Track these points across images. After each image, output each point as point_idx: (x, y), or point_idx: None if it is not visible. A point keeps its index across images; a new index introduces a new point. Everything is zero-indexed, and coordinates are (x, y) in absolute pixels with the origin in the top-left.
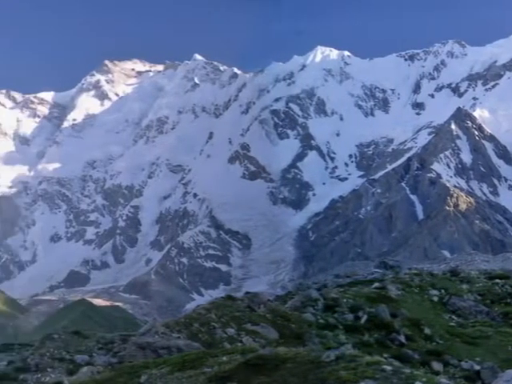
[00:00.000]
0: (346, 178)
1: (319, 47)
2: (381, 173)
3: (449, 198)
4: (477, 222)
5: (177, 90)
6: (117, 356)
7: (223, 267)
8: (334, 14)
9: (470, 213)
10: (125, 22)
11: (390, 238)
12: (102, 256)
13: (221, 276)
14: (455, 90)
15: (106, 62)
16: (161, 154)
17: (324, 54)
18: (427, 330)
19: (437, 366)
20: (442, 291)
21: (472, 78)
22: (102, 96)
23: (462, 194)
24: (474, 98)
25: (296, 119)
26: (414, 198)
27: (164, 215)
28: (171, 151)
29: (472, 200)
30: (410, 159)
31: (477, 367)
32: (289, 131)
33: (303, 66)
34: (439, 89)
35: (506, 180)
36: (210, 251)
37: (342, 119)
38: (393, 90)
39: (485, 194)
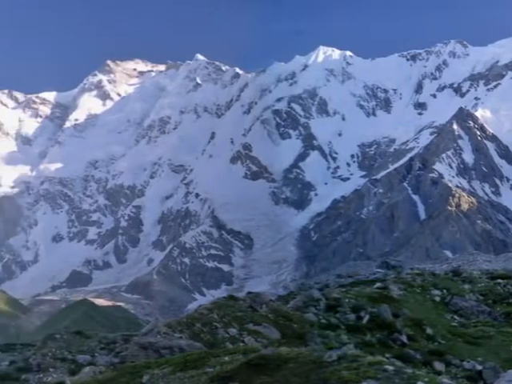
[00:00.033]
0: (348, 178)
1: (321, 47)
2: (383, 173)
3: (451, 197)
4: (479, 222)
5: (179, 90)
6: (119, 356)
7: (225, 267)
8: (335, 13)
9: (472, 213)
10: (127, 22)
11: (391, 238)
12: (104, 256)
13: (223, 276)
14: (457, 90)
15: (108, 61)
16: (163, 153)
17: (326, 54)
18: (429, 330)
19: (439, 366)
20: (444, 291)
21: (474, 78)
22: (104, 96)
23: (464, 193)
24: (476, 98)
25: (298, 119)
26: (415, 197)
27: (166, 215)
28: (173, 151)
29: (474, 200)
30: (411, 159)
31: (479, 367)
32: (291, 131)
33: (305, 66)
34: (441, 89)
35: (508, 180)
36: (212, 251)
37: (343, 119)
38: (395, 89)
39: (487, 194)
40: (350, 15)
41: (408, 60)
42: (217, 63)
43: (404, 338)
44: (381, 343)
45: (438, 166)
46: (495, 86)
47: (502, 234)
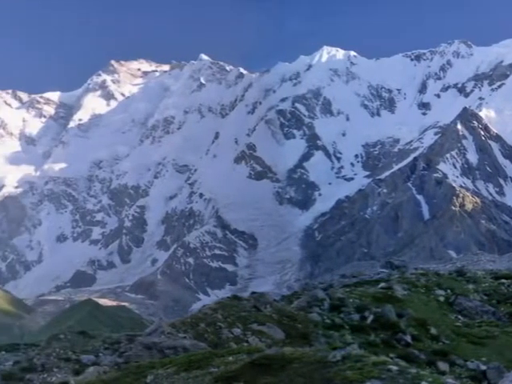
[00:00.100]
0: (352, 178)
1: (325, 47)
2: (387, 173)
3: (455, 197)
4: (483, 221)
5: (183, 90)
6: (123, 356)
7: (229, 267)
8: (340, 14)
9: (476, 213)
10: (131, 22)
11: (396, 238)
12: (108, 256)
13: (227, 276)
14: (461, 90)
15: (112, 61)
16: (167, 153)
17: (330, 54)
18: (433, 330)
19: (443, 365)
20: (448, 291)
21: (478, 78)
22: (108, 96)
23: (468, 193)
24: (480, 98)
25: (302, 119)
26: (420, 197)
27: (170, 215)
28: (177, 151)
29: (478, 200)
30: (416, 159)
31: (483, 367)
32: (295, 131)
33: (309, 66)
34: (445, 89)
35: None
36: (216, 251)
37: (348, 119)
38: (399, 89)
39: (491, 194)
40: (355, 15)
41: (412, 60)
42: (221, 63)
43: (408, 338)
44: (385, 343)
45: (442, 166)
46: (499, 86)
47: (506, 234)
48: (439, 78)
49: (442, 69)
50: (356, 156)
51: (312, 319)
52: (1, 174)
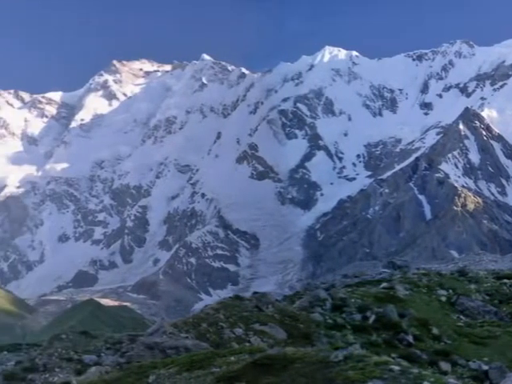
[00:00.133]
0: (354, 178)
1: (327, 47)
2: (389, 173)
3: (457, 197)
4: (485, 221)
5: (185, 90)
6: (125, 356)
7: (231, 267)
8: (342, 13)
9: (478, 213)
10: (133, 22)
11: (397, 238)
12: (110, 256)
13: (229, 276)
14: (463, 90)
15: (114, 61)
16: (169, 153)
17: (332, 54)
18: (435, 330)
19: (445, 365)
20: (450, 291)
21: (480, 78)
22: (110, 96)
23: (470, 193)
24: (482, 98)
25: (304, 119)
26: (421, 197)
27: (172, 215)
28: (179, 151)
29: (480, 200)
30: (417, 159)
31: (485, 367)
32: (297, 131)
33: (311, 66)
34: (447, 89)
35: None
36: (218, 251)
37: (350, 119)
38: (401, 89)
39: (493, 194)
40: (357, 15)
41: (414, 60)
42: (223, 63)
43: (410, 338)
44: (387, 343)
45: (443, 166)
46: (501, 86)
47: (508, 234)
48: (441, 78)
49: (444, 69)
50: (358, 156)
51: (314, 319)
52: (3, 174)
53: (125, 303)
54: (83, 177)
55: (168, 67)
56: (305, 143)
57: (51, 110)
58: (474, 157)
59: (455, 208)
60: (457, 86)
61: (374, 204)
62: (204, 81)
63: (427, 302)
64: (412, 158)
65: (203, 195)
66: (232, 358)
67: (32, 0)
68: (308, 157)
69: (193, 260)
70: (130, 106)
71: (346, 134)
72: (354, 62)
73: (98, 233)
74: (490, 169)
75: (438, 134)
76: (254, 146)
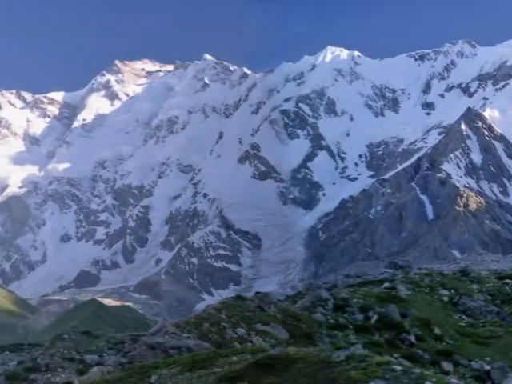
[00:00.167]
0: (356, 178)
1: (329, 47)
2: (391, 173)
3: (459, 197)
4: (487, 221)
5: (187, 90)
6: (127, 356)
7: (233, 267)
8: (344, 14)
9: (480, 213)
10: (135, 22)
11: (400, 238)
12: (112, 256)
13: (231, 276)
14: (465, 90)
15: (116, 61)
16: (171, 153)
17: (334, 54)
18: (437, 330)
19: (447, 366)
20: (452, 291)
21: (482, 78)
22: (112, 96)
23: (472, 193)
24: (484, 98)
25: (306, 119)
26: (424, 197)
27: (174, 215)
28: (181, 151)
29: (482, 200)
30: (420, 159)
31: (487, 367)
32: (299, 131)
33: (313, 66)
34: (449, 89)
35: None
36: (220, 251)
37: (352, 119)
38: (403, 89)
39: (495, 194)
40: (359, 15)
41: (416, 60)
42: (225, 63)
43: (412, 338)
44: (389, 343)
45: (446, 166)
46: (503, 86)
47: (510, 234)
48: (443, 78)
49: (446, 69)
50: (360, 156)
51: (316, 319)
52: (5, 174)
53: (127, 303)
54: (85, 177)
55: (170, 67)
56: (307, 143)
57: (53, 109)
58: (476, 157)
59: (457, 208)
60: (459, 86)
61: (376, 204)
62: (206, 81)
63: (429, 302)
64: (414, 158)
65: (205, 195)
66: (234, 358)
67: (33, 0)
68: (310, 157)
69: (195, 260)
70: (132, 106)
71: (348, 134)
72: (355, 62)
73: (100, 233)
74: (492, 169)
75: (440, 133)
76: (256, 146)
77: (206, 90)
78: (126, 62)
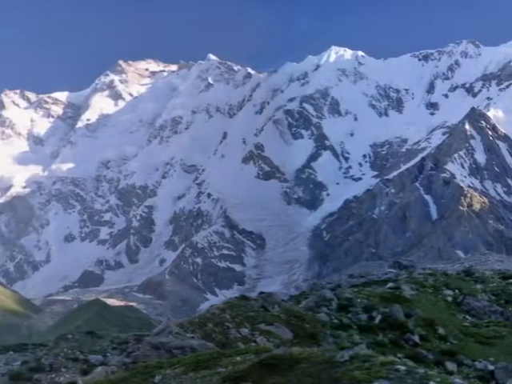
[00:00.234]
0: (360, 178)
1: (333, 47)
2: (395, 173)
3: (463, 197)
4: (491, 221)
5: (191, 90)
6: (131, 356)
7: (237, 267)
8: (348, 13)
9: (484, 213)
10: (139, 22)
11: (403, 238)
12: (116, 256)
13: (235, 276)
14: (469, 90)
15: (120, 61)
16: (175, 153)
17: (338, 54)
18: (441, 330)
19: (451, 365)
20: (456, 291)
21: (486, 78)
22: (116, 96)
23: (476, 193)
24: (488, 98)
25: (310, 119)
26: (427, 197)
27: (178, 215)
28: (185, 151)
29: (486, 200)
30: (423, 159)
31: (491, 367)
32: (303, 131)
33: (317, 66)
34: (453, 89)
35: None
36: (224, 251)
37: (356, 119)
38: (407, 89)
39: (499, 194)
40: (362, 15)
41: (420, 60)
42: (229, 63)
43: (416, 338)
44: (393, 343)
45: (449, 166)
46: (507, 86)
47: None
48: (447, 78)
49: (450, 69)
50: (364, 156)
51: (320, 319)
52: (9, 174)
53: (131, 303)
54: (89, 177)
55: (174, 67)
56: (311, 143)
57: (57, 109)
58: (480, 157)
59: (461, 208)
60: (463, 85)
61: (379, 204)
62: (210, 81)
63: (433, 302)
64: (418, 158)
65: (209, 195)
66: (238, 358)
67: (38, 0)
68: (314, 157)
69: (199, 260)
70: (135, 106)
71: (352, 134)
72: (359, 62)
73: (104, 233)
74: (495, 169)
75: (443, 133)
76: (260, 146)
77: (209, 90)
78: (130, 62)
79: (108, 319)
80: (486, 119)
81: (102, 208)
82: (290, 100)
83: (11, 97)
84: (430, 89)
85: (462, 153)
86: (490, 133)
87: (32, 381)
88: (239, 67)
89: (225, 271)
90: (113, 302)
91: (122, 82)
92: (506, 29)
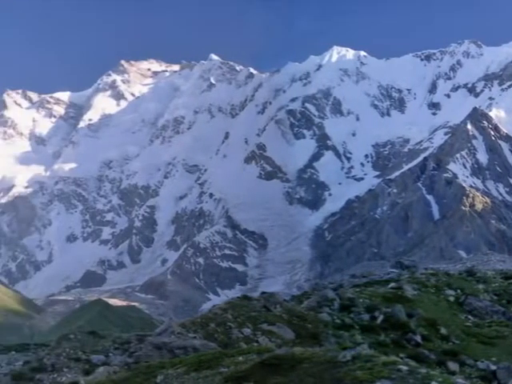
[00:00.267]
0: (362, 178)
1: (335, 47)
2: (397, 173)
3: (465, 197)
4: (493, 221)
5: (193, 90)
6: (133, 356)
7: (239, 267)
8: (349, 13)
9: (486, 213)
10: (141, 22)
11: (406, 238)
12: (118, 256)
13: (237, 276)
14: (471, 90)
15: (122, 61)
16: (177, 153)
17: (340, 54)
18: (443, 330)
19: (453, 366)
20: (458, 291)
21: (488, 78)
22: (118, 96)
23: (478, 193)
24: (490, 98)
25: (312, 119)
26: (430, 198)
27: (180, 215)
28: (187, 151)
29: (488, 200)
30: (426, 159)
31: (493, 367)
32: (305, 131)
33: (319, 66)
34: (455, 89)
35: None
36: (226, 251)
37: (358, 119)
38: (409, 89)
39: (501, 194)
40: (364, 15)
41: (422, 60)
42: (231, 63)
43: (418, 338)
44: (395, 343)
45: (452, 166)
46: (509, 86)
47: None
48: (449, 78)
49: (452, 69)
50: (366, 156)
51: (322, 319)
52: (11, 174)
53: (133, 303)
54: (91, 177)
55: (176, 67)
56: (313, 143)
57: (59, 109)
58: (482, 157)
59: (463, 208)
60: (465, 85)
61: (382, 204)
62: (212, 81)
63: (435, 302)
64: (420, 158)
65: (211, 195)
66: (240, 358)
67: (41, 0)
68: (316, 157)
69: (201, 260)
70: (138, 106)
71: (354, 134)
72: (362, 62)
73: (106, 233)
74: (498, 169)
75: (446, 133)
76: (262, 146)
77: (212, 89)
78: (132, 62)
79: (110, 319)
80: (488, 119)
81: (104, 208)
82: (292, 100)
83: (13, 97)
84: (432, 89)
85: (464, 153)
86: (492, 133)
87: (34, 381)
88: (241, 67)
89: (227, 271)
90: (115, 301)
91: (124, 82)
92: (507, 29)
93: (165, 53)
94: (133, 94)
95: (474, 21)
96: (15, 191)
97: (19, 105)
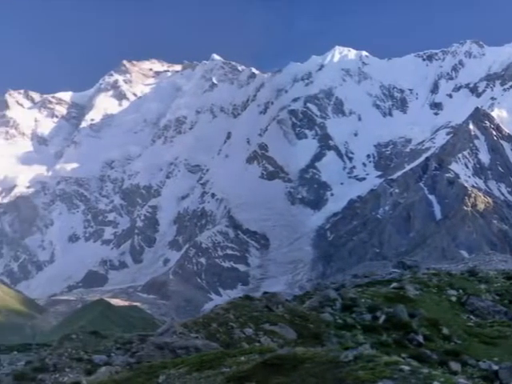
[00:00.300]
0: (364, 178)
1: (337, 47)
2: (399, 173)
3: (467, 197)
4: (495, 221)
5: (195, 90)
6: (135, 356)
7: (241, 267)
8: (351, 13)
9: (488, 213)
10: (143, 22)
11: (408, 238)
12: (120, 256)
13: (239, 276)
14: (473, 90)
15: (124, 62)
16: (179, 153)
17: (342, 54)
18: (445, 330)
19: (455, 365)
20: (460, 291)
21: (490, 78)
22: (120, 96)
23: (480, 193)
24: (492, 98)
25: (314, 119)
26: (432, 197)
27: (182, 215)
28: (189, 151)
29: (490, 200)
30: (428, 159)
31: (495, 367)
32: (307, 131)
33: (321, 66)
34: (457, 89)
35: None
36: (228, 251)
37: (360, 119)
38: (411, 89)
39: (503, 194)
40: (366, 14)
41: (424, 60)
42: (233, 63)
43: (420, 338)
44: (397, 343)
45: (454, 166)
46: (511, 86)
47: None
48: (451, 78)
49: (454, 69)
50: (368, 156)
51: (324, 319)
52: (13, 174)
53: (135, 303)
54: (93, 177)
55: (178, 67)
56: (315, 143)
57: (61, 109)
58: (484, 157)
59: (465, 208)
60: (467, 85)
61: (384, 204)
62: (214, 81)
63: (437, 301)
64: (422, 158)
65: (213, 195)
66: (242, 358)
67: (43, 0)
68: (318, 157)
69: (203, 260)
70: (140, 106)
71: (356, 134)
72: (363, 62)
73: (108, 233)
74: (499, 169)
75: (448, 133)
76: (264, 146)
77: (214, 89)
78: (134, 62)
79: (112, 319)
80: (490, 119)
81: (106, 208)
82: (294, 100)
83: (15, 97)
84: (434, 89)
85: (466, 153)
86: (493, 133)
87: (36, 381)
88: (243, 67)
89: (229, 271)
90: (117, 302)
91: (126, 82)
92: (509, 29)
93: (167, 53)
94: (135, 94)
95: (476, 21)
96: (17, 191)
97: (21, 105)
